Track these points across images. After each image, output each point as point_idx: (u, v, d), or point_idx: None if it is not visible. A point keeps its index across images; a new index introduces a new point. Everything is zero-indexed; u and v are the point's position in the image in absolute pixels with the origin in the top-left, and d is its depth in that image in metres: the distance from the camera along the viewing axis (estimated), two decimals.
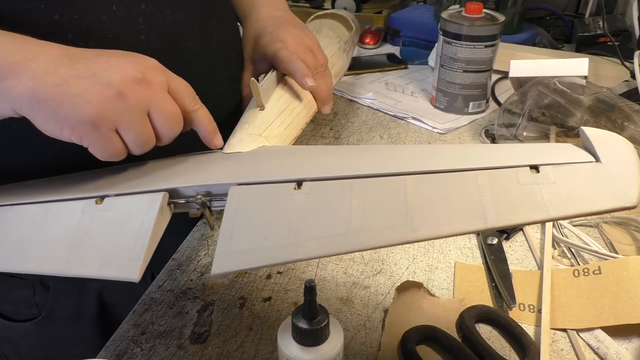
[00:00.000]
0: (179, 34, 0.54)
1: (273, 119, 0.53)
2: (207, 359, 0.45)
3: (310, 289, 0.35)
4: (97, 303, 0.64)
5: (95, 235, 0.38)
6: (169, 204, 0.41)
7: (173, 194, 0.41)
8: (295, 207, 0.36)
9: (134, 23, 0.50)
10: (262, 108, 0.53)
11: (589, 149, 0.35)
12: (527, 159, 0.35)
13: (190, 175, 0.43)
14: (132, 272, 0.35)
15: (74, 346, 0.65)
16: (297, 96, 0.59)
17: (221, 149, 0.49)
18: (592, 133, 0.35)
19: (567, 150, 0.35)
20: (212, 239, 0.59)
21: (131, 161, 0.44)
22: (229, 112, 0.62)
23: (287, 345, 0.37)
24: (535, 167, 0.34)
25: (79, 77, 0.38)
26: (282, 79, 0.60)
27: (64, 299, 0.63)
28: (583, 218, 0.60)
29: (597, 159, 0.33)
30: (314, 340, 0.36)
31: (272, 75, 0.57)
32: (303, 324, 0.36)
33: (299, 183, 0.38)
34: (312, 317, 0.36)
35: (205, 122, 0.45)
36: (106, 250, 0.37)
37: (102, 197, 0.41)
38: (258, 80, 0.53)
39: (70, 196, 0.42)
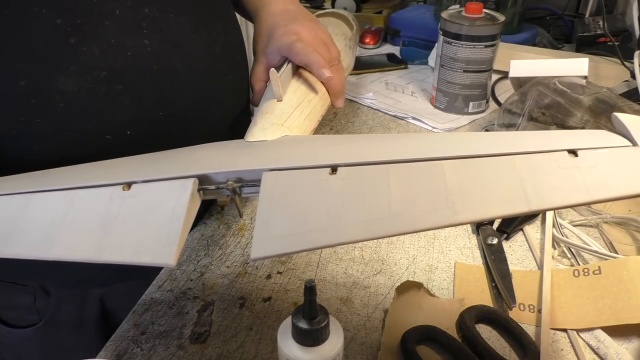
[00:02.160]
0: (183, 37, 0.54)
1: (292, 109, 0.52)
2: (207, 359, 0.45)
3: (310, 289, 0.35)
4: (99, 308, 0.64)
5: (126, 222, 0.37)
6: (198, 190, 0.40)
7: (203, 180, 0.40)
8: (332, 192, 0.35)
9: (137, 27, 0.49)
10: (280, 99, 0.53)
11: (624, 134, 0.34)
12: (564, 143, 0.34)
13: (219, 161, 0.42)
14: (168, 257, 0.34)
15: (75, 352, 0.65)
16: (313, 88, 0.58)
17: (243, 137, 0.48)
18: (625, 118, 0.35)
19: (602, 135, 0.35)
20: (212, 239, 0.59)
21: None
22: (235, 116, 0.62)
23: (287, 345, 0.37)
24: (573, 152, 0.33)
25: None
26: (296, 72, 0.59)
27: (65, 305, 0.63)
28: (583, 218, 0.60)
29: (635, 143, 0.33)
30: (314, 340, 0.36)
31: (288, 67, 0.57)
32: (303, 324, 0.36)
33: (334, 168, 0.37)
34: (312, 317, 0.36)
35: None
36: (138, 237, 0.36)
37: (129, 184, 0.40)
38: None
39: (96, 183, 0.41)
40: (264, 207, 0.36)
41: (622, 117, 0.35)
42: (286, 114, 0.51)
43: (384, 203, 0.33)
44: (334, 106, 0.62)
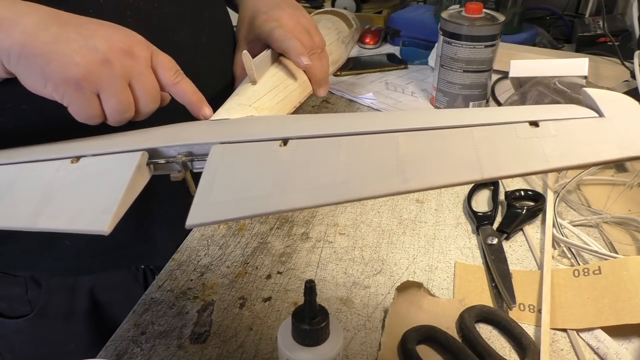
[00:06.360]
0: (168, 26, 0.54)
1: (265, 93, 0.52)
2: (207, 359, 0.45)
3: (310, 289, 0.35)
4: (89, 301, 0.64)
5: (68, 191, 0.37)
6: (148, 164, 0.40)
7: (153, 154, 0.40)
8: (279, 162, 0.35)
9: (121, 16, 0.49)
10: (254, 83, 0.52)
11: (592, 107, 0.34)
12: (526, 116, 0.34)
13: (171, 136, 0.42)
14: (102, 224, 0.34)
15: (66, 343, 0.66)
16: (292, 75, 0.58)
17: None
18: (594, 92, 0.35)
19: (568, 108, 0.35)
20: (212, 239, 0.59)
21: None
22: (221, 104, 0.62)
23: (287, 345, 0.37)
24: (534, 123, 0.33)
25: (69, 39, 0.39)
26: (277, 59, 0.59)
27: (56, 296, 0.63)
28: (583, 218, 0.60)
29: (601, 115, 0.33)
30: (314, 340, 0.36)
31: (266, 53, 0.57)
32: (303, 324, 0.36)
33: (285, 141, 0.37)
34: (312, 317, 0.36)
35: (188, 93, 0.46)
36: (77, 205, 0.36)
37: (78, 157, 0.40)
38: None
39: (46, 157, 0.41)
40: (208, 176, 0.35)
41: (590, 91, 0.35)
42: (256, 96, 0.51)
43: (330, 172, 0.33)
44: (316, 95, 0.61)
